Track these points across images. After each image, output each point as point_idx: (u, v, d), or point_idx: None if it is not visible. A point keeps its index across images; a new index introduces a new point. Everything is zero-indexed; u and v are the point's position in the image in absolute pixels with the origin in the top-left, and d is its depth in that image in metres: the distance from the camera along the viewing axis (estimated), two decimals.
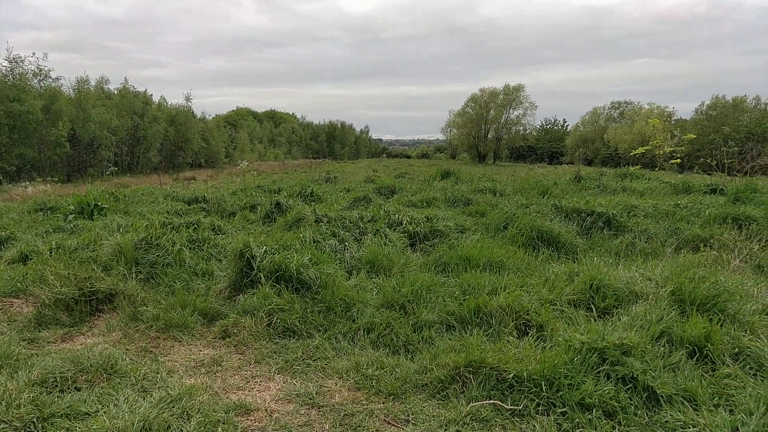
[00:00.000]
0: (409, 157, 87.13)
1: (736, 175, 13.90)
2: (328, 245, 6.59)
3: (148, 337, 4.97)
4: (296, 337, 4.82)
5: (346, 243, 6.81)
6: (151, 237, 6.81)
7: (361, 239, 7.28)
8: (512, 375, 3.80)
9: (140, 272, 6.25)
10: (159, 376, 4.15)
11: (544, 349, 4.14)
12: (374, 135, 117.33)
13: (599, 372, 3.76)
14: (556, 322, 4.66)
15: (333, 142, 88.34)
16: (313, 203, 10.58)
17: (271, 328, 4.90)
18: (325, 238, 6.83)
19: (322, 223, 7.50)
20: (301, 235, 6.69)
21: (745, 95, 50.98)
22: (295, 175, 28.68)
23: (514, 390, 3.76)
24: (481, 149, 69.66)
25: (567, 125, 73.06)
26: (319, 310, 5.10)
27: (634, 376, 3.70)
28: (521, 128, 68.43)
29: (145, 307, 5.43)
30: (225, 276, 5.93)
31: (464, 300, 5.13)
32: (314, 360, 4.46)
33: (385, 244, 7.03)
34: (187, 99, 58.37)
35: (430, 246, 7.53)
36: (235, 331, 4.92)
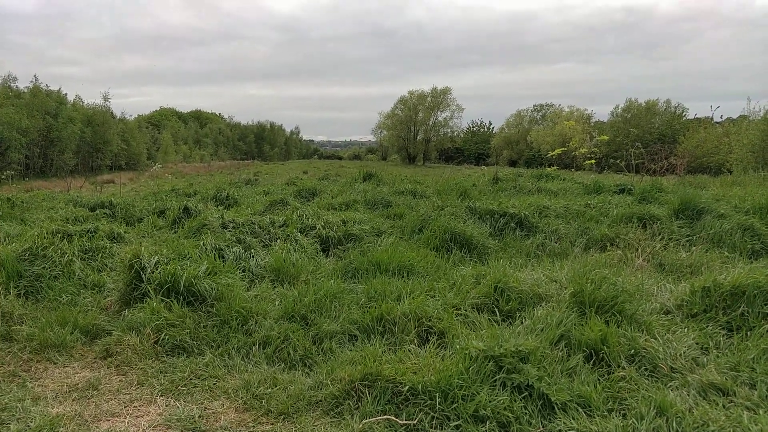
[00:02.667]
0: (341, 158, 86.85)
1: (644, 175, 14.49)
2: (231, 253, 6.26)
3: (20, 360, 4.49)
4: (186, 355, 4.49)
5: (253, 250, 6.50)
6: (38, 247, 6.26)
7: (270, 245, 6.99)
8: (408, 387, 3.65)
9: (20, 286, 5.71)
10: (21, 405, 3.72)
11: (444, 358, 4.02)
12: (306, 136, 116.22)
13: (495, 381, 3.66)
14: (459, 328, 4.55)
15: (262, 142, 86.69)
16: (227, 207, 10.16)
17: (159, 345, 4.55)
18: (230, 245, 6.49)
19: (228, 229, 7.15)
20: (202, 242, 6.32)
21: (656, 99, 53.86)
22: (219, 177, 27.81)
23: (409, 403, 3.61)
24: (410, 151, 70.31)
25: (493, 127, 74.95)
26: (213, 324, 4.78)
27: (530, 383, 3.62)
28: (449, 130, 69.65)
29: (20, 326, 4.93)
30: (115, 289, 5.50)
31: (369, 308, 4.95)
32: (202, 379, 4.15)
33: (294, 251, 6.77)
34: (105, 98, 55.64)
35: (344, 251, 7.33)
36: (118, 349, 4.53)
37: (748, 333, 4.41)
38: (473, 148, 70.40)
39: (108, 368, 4.35)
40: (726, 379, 3.82)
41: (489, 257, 6.92)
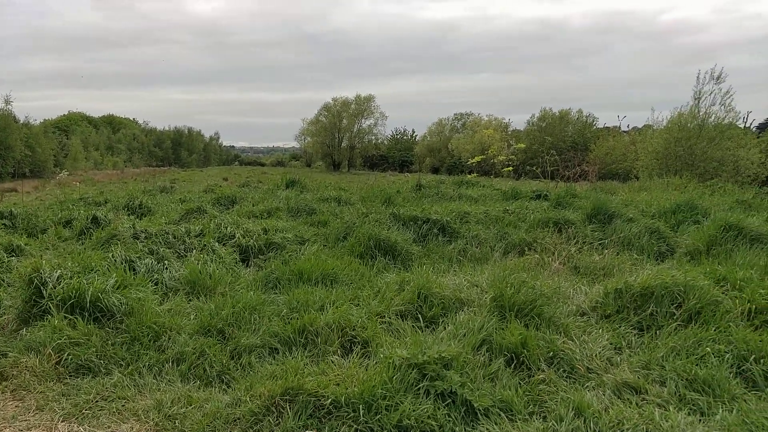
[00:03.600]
0: (263, 164, 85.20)
1: (559, 182, 15.09)
2: (143, 265, 5.93)
3: None
4: (92, 375, 4.18)
5: (166, 261, 6.19)
6: None
7: (185, 256, 6.68)
8: (330, 400, 3.54)
9: None
10: None
11: (367, 368, 3.94)
12: (226, 142, 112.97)
13: (419, 389, 3.62)
14: (383, 336, 4.49)
15: (179, 149, 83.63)
16: (139, 216, 9.65)
17: (61, 366, 4.20)
18: (142, 256, 6.14)
19: (140, 240, 6.77)
20: (111, 254, 5.94)
21: (569, 108, 56.50)
22: (133, 185, 26.54)
23: (332, 417, 3.50)
24: (335, 157, 70.10)
25: (416, 135, 75.97)
26: (123, 341, 4.48)
27: (453, 390, 3.61)
28: (373, 137, 69.95)
29: None
30: (12, 306, 5.06)
31: (291, 319, 4.80)
32: (110, 401, 3.86)
33: (212, 261, 6.49)
34: (7, 102, 51.77)
35: (265, 260, 7.12)
36: (14, 372, 4.14)
37: (658, 332, 4.61)
38: (397, 156, 71.09)
39: (2, 393, 3.97)
40: (638, 377, 3.96)
41: (413, 263, 6.93)
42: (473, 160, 16.99)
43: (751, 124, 31.57)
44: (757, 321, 4.63)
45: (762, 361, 3.97)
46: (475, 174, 16.19)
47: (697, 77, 23.82)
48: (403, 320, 4.84)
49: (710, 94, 23.44)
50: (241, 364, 4.28)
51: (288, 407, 3.56)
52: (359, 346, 4.37)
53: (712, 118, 23.51)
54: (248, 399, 3.68)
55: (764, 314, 4.69)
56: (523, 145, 18.96)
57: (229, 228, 7.93)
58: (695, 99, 23.76)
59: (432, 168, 63.02)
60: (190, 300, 5.47)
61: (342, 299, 5.23)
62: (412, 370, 3.71)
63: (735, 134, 24.06)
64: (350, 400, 3.52)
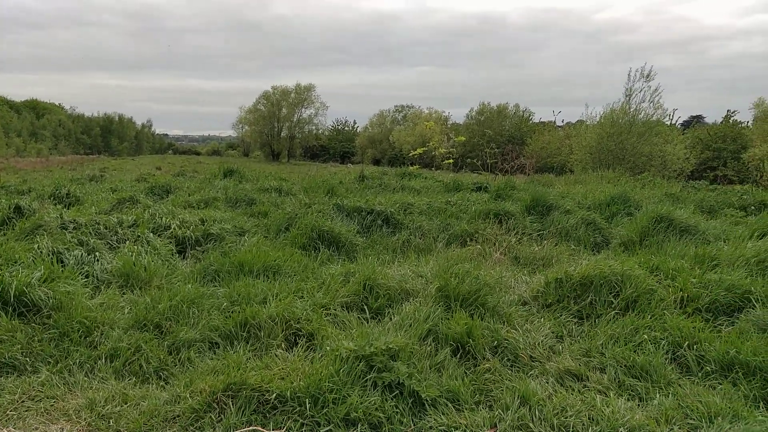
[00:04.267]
0: (198, 153, 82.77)
1: (498, 174, 15.37)
2: (72, 256, 5.59)
3: None
4: (17, 374, 3.89)
5: (97, 253, 5.87)
6: None
7: (118, 248, 6.36)
8: (275, 395, 3.44)
9: None
10: None
11: (313, 361, 3.86)
12: (160, 130, 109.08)
13: (366, 381, 3.57)
14: (329, 329, 4.42)
15: (109, 136, 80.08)
16: (67, 206, 9.13)
17: None
18: (70, 248, 5.80)
19: (68, 230, 6.39)
20: (36, 245, 5.58)
21: (507, 103, 57.78)
22: (59, 173, 25.20)
23: (277, 411, 3.40)
24: (274, 147, 68.97)
25: (357, 126, 75.78)
26: (51, 337, 4.20)
27: (401, 381, 3.58)
28: (314, 127, 69.20)
29: None
30: None
31: (232, 312, 4.64)
32: (37, 401, 3.61)
33: (146, 253, 6.21)
34: None
35: (203, 252, 6.88)
36: None
37: (597, 320, 4.75)
38: (338, 146, 70.68)
39: None
40: (580, 365, 4.06)
41: (357, 254, 6.87)
42: (415, 152, 17.06)
43: (676, 121, 33.22)
44: (689, 308, 4.84)
45: (695, 347, 4.15)
46: (417, 166, 16.26)
47: (629, 75, 24.87)
48: (348, 312, 4.78)
49: (640, 92, 24.54)
50: (180, 360, 4.11)
51: (231, 403, 3.43)
52: (304, 339, 4.28)
53: (642, 114, 24.61)
54: (188, 395, 3.53)
55: (695, 302, 4.91)
56: (463, 138, 19.22)
57: (164, 218, 7.61)
58: (626, 96, 24.79)
59: (374, 159, 63.09)
60: (123, 293, 5.21)
61: (285, 291, 5.11)
62: (360, 362, 3.65)
63: (662, 130, 25.25)
64: (296, 394, 3.43)
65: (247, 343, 4.28)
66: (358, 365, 3.64)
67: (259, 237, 7.50)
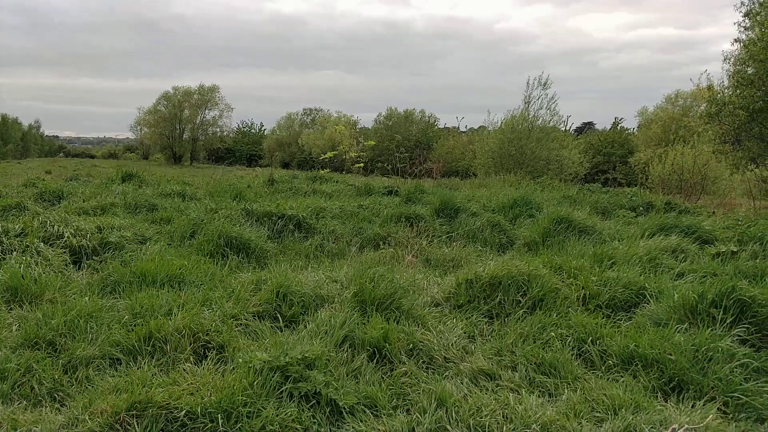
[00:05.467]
0: (93, 156, 77.84)
1: (408, 178, 15.60)
2: None
3: None
4: None
5: None
6: None
7: (4, 259, 5.81)
8: (185, 412, 3.25)
9: None
10: None
11: (224, 374, 3.69)
12: (50, 131, 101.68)
13: (282, 392, 3.46)
14: (240, 340, 4.25)
15: None
16: None
17: None
18: None
19: None
20: None
21: (414, 108, 58.99)
22: None
23: (187, 429, 3.22)
24: (176, 150, 66.17)
25: (264, 129, 74.37)
26: None
27: (318, 390, 3.50)
28: (218, 129, 67.12)
29: None
30: None
31: (135, 326, 4.36)
32: None
33: (36, 264, 5.72)
34: None
35: (101, 262, 6.43)
36: None
37: (506, 319, 4.89)
38: (245, 149, 68.99)
39: None
40: (492, 364, 4.16)
41: (269, 261, 6.69)
42: (325, 156, 16.97)
43: (571, 127, 35.20)
44: (591, 305, 5.10)
45: (598, 342, 4.37)
46: (328, 169, 16.17)
47: (527, 83, 26.10)
48: (261, 321, 4.63)
49: (538, 99, 25.82)
50: (78, 379, 3.79)
51: (135, 423, 3.21)
52: (214, 352, 4.09)
53: (540, 120, 25.89)
54: (87, 417, 3.26)
55: (596, 299, 5.18)
56: (373, 143, 19.37)
57: (56, 226, 7.04)
58: (525, 103, 26.00)
59: (282, 163, 62.21)
60: (11, 309, 4.75)
61: (192, 302, 4.86)
62: (274, 373, 3.54)
63: (558, 136, 26.70)
64: (207, 409, 3.26)
65: (152, 357, 4.03)
66: (273, 376, 3.52)
67: (162, 245, 7.12)
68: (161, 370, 3.86)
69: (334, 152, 18.42)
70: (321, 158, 19.28)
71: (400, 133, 50.40)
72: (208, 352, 4.10)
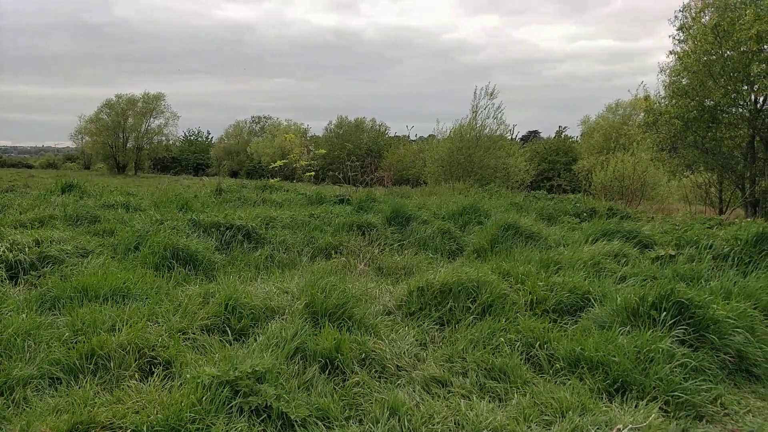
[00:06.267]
0: (31, 167, 74.43)
1: (359, 187, 15.61)
2: None
3: None
4: None
5: None
6: None
7: None
8: (130, 431, 3.14)
9: None
10: None
11: (172, 391, 3.59)
12: None
13: (232, 407, 3.40)
14: (188, 354, 4.15)
15: None
16: None
17: None
18: None
19: None
20: None
21: (364, 117, 59.21)
22: None
23: None
24: (119, 159, 64.09)
25: (212, 137, 73.02)
26: None
27: (269, 404, 3.45)
28: (164, 138, 65.41)
29: None
30: None
31: (76, 343, 4.19)
32: None
33: None
34: None
35: (39, 277, 6.16)
36: None
37: (457, 326, 4.95)
38: (192, 158, 67.49)
39: None
40: (443, 371, 4.20)
41: (217, 273, 6.55)
42: (275, 165, 16.79)
43: (517, 135, 36.02)
44: (538, 310, 5.22)
45: (545, 346, 4.47)
46: (278, 178, 16.01)
47: (475, 92, 26.58)
48: (209, 335, 4.53)
49: (485, 108, 26.31)
50: (14, 400, 3.61)
51: None
52: (161, 368, 3.97)
53: (487, 129, 26.40)
54: None
55: (543, 304, 5.31)
56: (324, 151, 19.31)
57: None
58: (473, 112, 26.46)
59: (231, 172, 61.21)
60: None
61: (137, 317, 4.71)
62: (224, 387, 3.47)
63: (505, 144, 27.28)
64: (153, 428, 3.17)
65: (95, 375, 3.88)
66: (223, 391, 3.45)
67: (105, 258, 6.88)
68: (104, 389, 3.73)
69: (284, 161, 18.24)
70: (271, 167, 19.09)
71: (351, 141, 50.42)
72: (155, 368, 3.98)
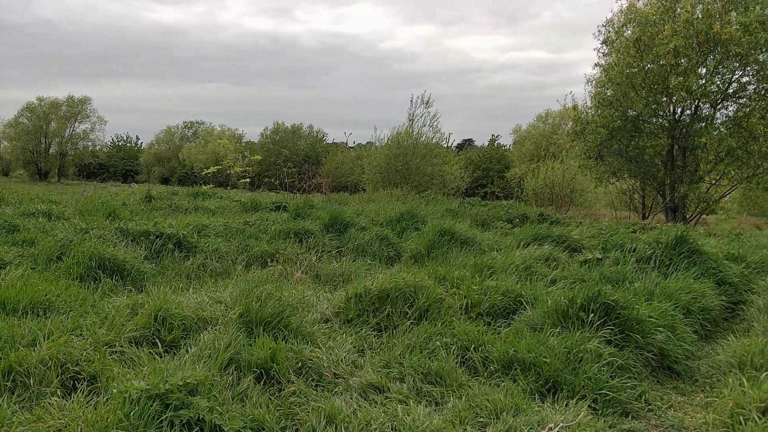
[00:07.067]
0: None
1: (296, 193, 15.46)
2: None
3: None
4: None
5: None
6: None
7: None
8: None
9: None
10: None
11: (97, 407, 3.42)
12: None
13: (162, 421, 3.27)
14: (115, 368, 3.96)
15: None
16: None
17: None
18: None
19: None
20: None
21: (301, 123, 58.82)
22: None
23: None
24: (42, 165, 60.84)
25: (141, 143, 70.59)
26: None
27: (201, 417, 3.33)
28: (90, 144, 62.68)
29: None
30: None
31: None
32: None
33: None
34: None
35: None
36: None
37: (394, 331, 4.97)
38: (120, 164, 64.94)
39: None
40: (381, 377, 4.20)
41: (146, 283, 6.31)
42: (208, 171, 16.40)
43: (452, 143, 36.73)
44: (473, 313, 5.32)
45: (480, 349, 4.56)
46: (211, 185, 15.63)
47: (411, 101, 26.91)
48: (138, 347, 4.35)
49: (421, 117, 26.67)
50: None
51: None
52: (85, 383, 3.78)
53: (424, 137, 26.75)
54: None
55: (478, 307, 5.41)
56: (259, 157, 18.99)
57: None
58: (410, 120, 26.76)
59: (162, 178, 59.34)
60: None
61: (60, 330, 4.46)
62: (153, 401, 3.33)
63: (441, 152, 27.73)
64: None
65: (13, 393, 3.65)
66: (152, 405, 3.31)
67: (24, 269, 6.50)
68: (23, 407, 3.51)
69: (218, 167, 17.84)
70: (204, 173, 18.63)
71: (288, 147, 49.90)
72: (78, 383, 3.79)
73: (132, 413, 3.24)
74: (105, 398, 3.52)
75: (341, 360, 4.45)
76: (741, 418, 3.70)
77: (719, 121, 19.54)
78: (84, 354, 4.02)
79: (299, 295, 5.73)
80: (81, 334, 4.45)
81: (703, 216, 22.30)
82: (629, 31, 19.70)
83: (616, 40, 20.25)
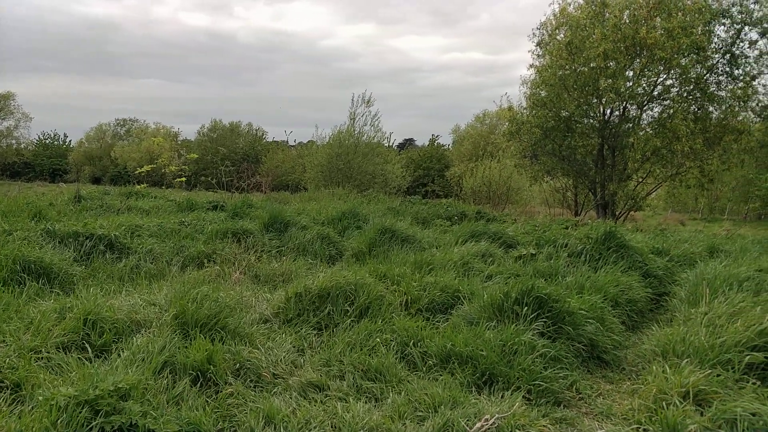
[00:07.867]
0: None
1: (235, 192, 15.19)
2: None
3: None
4: None
5: None
6: None
7: None
8: None
9: None
10: None
11: (21, 415, 3.26)
12: None
13: (92, 428, 3.15)
14: (41, 375, 3.78)
15: None
16: None
17: None
18: None
19: None
20: None
21: (239, 121, 57.67)
22: None
23: None
24: None
25: (70, 141, 67.43)
26: None
27: (134, 422, 3.24)
28: (14, 141, 59.51)
29: None
30: None
31: None
32: None
33: None
34: None
35: None
36: None
37: (335, 330, 4.97)
38: (47, 163, 61.82)
39: None
40: (320, 375, 4.19)
41: (76, 286, 6.04)
42: (142, 170, 15.87)
43: (394, 143, 37.02)
44: (413, 309, 5.38)
45: (419, 344, 4.62)
46: (145, 185, 15.12)
47: (352, 100, 26.93)
48: (66, 353, 4.16)
49: (362, 116, 26.75)
50: None
51: None
52: (8, 391, 3.59)
53: (365, 136, 26.82)
54: None
55: (417, 303, 5.48)
56: (196, 156, 18.55)
57: None
58: (351, 119, 26.78)
59: (93, 178, 56.91)
60: None
61: None
62: (82, 408, 3.20)
63: (382, 151, 27.89)
64: None
65: None
66: (81, 412, 3.19)
67: None
68: None
69: (152, 166, 17.28)
70: (137, 172, 18.02)
71: (226, 146, 48.91)
72: (1, 392, 3.60)
73: (59, 421, 3.11)
74: (30, 407, 3.36)
75: (280, 360, 4.42)
76: (664, 403, 3.91)
77: (645, 121, 20.54)
78: (7, 361, 3.82)
79: (237, 296, 5.64)
80: (4, 341, 4.23)
81: (632, 212, 23.36)
82: (562, 35, 20.40)
83: (550, 42, 20.93)
